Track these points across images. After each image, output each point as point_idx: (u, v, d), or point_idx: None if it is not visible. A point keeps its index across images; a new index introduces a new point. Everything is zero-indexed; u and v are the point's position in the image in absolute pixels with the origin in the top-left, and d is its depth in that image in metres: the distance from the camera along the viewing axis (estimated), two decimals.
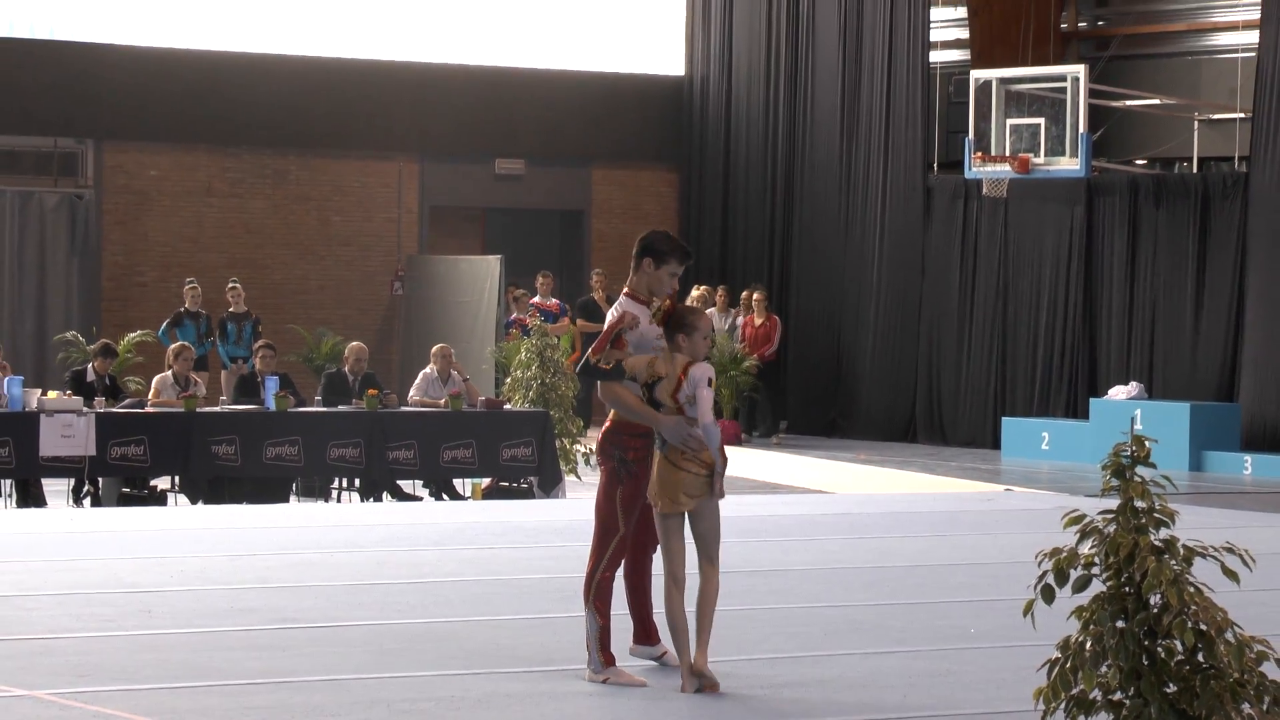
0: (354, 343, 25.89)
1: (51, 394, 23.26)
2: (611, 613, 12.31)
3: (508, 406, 25.07)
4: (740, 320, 32.91)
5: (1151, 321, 31.09)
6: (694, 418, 11.82)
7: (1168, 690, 7.69)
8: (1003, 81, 31.23)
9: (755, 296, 33.04)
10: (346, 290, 33.95)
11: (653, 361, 12.02)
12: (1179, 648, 7.70)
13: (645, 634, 12.65)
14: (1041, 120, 30.75)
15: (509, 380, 25.86)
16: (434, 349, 25.72)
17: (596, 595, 12.25)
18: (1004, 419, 31.78)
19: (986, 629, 14.29)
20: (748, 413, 32.92)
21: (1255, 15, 30.64)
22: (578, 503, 23.32)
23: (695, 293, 32.70)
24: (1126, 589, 7.74)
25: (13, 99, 31.82)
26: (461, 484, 24.73)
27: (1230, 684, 7.65)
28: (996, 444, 31.63)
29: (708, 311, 27.50)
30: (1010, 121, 30.99)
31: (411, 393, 25.25)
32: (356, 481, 24.29)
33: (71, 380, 24.13)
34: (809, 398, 33.68)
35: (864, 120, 33.79)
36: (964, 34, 34.17)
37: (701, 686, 11.79)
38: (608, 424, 12.31)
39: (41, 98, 32.05)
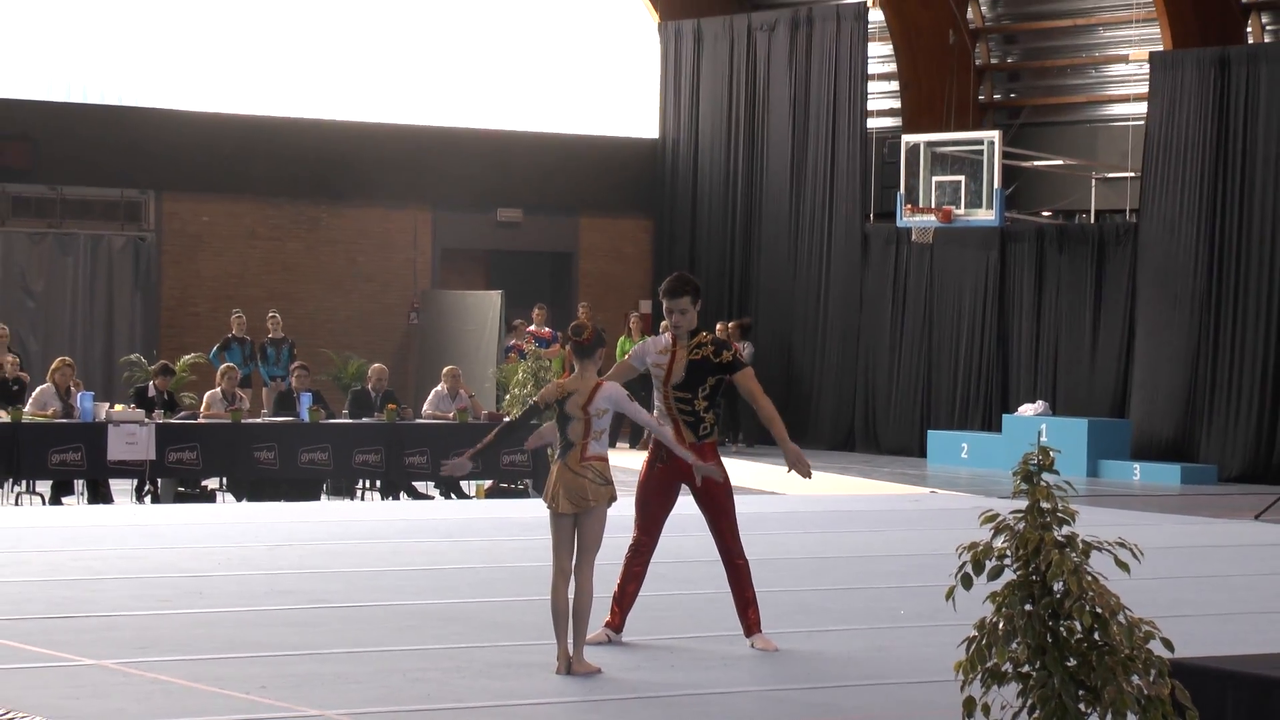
0: (376, 364, 25.89)
1: (118, 407, 23.24)
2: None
3: (507, 419, 25.03)
4: None
5: (1055, 349, 31.12)
6: (603, 429, 11.65)
7: (1069, 664, 7.68)
8: (929, 144, 31.26)
9: (718, 327, 33.02)
10: (369, 320, 33.90)
11: (561, 384, 11.85)
12: (1078, 628, 7.69)
13: (611, 617, 12.62)
14: (962, 178, 30.77)
15: (508, 397, 25.85)
16: (444, 370, 25.72)
17: None
18: (929, 431, 31.79)
19: (914, 611, 14.29)
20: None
21: (1143, 89, 30.69)
22: None
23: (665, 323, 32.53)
24: (1033, 577, 7.73)
25: (86, 155, 31.77)
26: (467, 485, 24.71)
27: (1122, 659, 7.63)
28: (923, 453, 31.63)
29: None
30: (935, 178, 31.01)
31: (425, 407, 25.25)
32: (378, 482, 24.28)
33: (135, 395, 24.09)
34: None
35: (810, 177, 33.80)
36: (896, 104, 34.21)
37: (572, 669, 11.52)
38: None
39: (110, 155, 32.00)
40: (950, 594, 7.84)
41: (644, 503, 12.50)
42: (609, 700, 11.01)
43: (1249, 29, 31.09)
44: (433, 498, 24.35)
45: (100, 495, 22.58)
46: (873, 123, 33.60)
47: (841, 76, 33.35)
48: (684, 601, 14.25)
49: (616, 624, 12.57)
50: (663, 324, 12.64)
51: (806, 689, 11.43)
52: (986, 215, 30.58)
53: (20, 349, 28.24)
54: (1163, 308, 29.67)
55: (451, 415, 24.65)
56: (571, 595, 11.55)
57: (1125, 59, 32.22)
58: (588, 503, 11.52)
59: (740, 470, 27.90)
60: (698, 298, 12.52)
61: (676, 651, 12.45)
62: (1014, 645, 7.72)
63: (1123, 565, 7.81)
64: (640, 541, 12.57)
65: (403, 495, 24.14)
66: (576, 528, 11.62)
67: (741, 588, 12.55)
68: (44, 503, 22.32)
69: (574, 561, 11.62)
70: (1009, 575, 7.76)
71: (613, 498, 11.62)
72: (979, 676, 7.78)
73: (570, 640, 11.54)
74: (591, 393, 11.61)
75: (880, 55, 34.08)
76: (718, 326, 32.63)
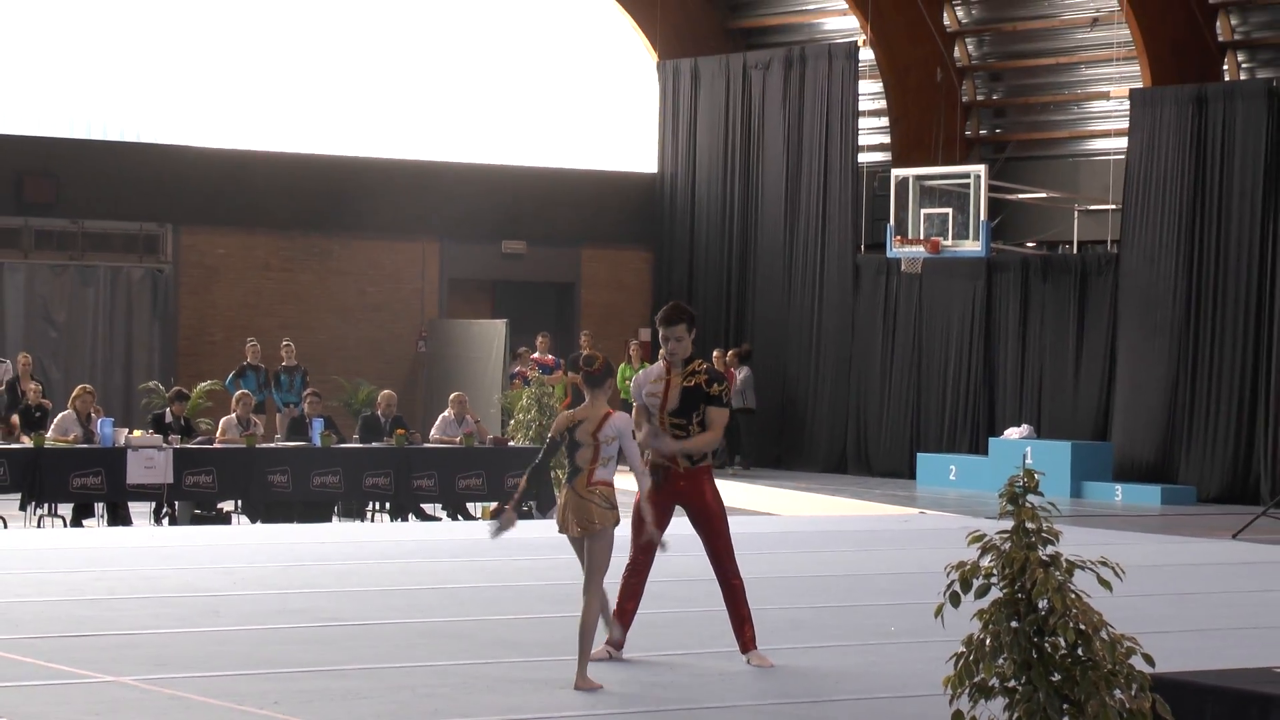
0: (385, 391, 25.88)
1: (136, 433, 23.25)
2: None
3: (511, 443, 25.05)
4: None
5: (1040, 375, 31.13)
6: (610, 456, 11.65)
7: (1053, 679, 7.68)
8: (918, 178, 31.28)
9: (714, 355, 33.06)
10: (379, 348, 33.91)
11: (571, 414, 11.86)
12: (1062, 644, 7.69)
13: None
14: (950, 210, 30.79)
15: (512, 422, 25.86)
16: (451, 396, 25.73)
17: None
18: (918, 454, 31.78)
19: (904, 628, 14.28)
20: None
21: (1124, 125, 30.73)
22: None
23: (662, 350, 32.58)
24: (1019, 595, 7.73)
25: (106, 190, 31.81)
26: (473, 507, 24.71)
27: (1104, 674, 7.64)
28: (912, 475, 31.63)
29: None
30: (924, 211, 31.03)
31: (432, 432, 25.25)
32: (387, 504, 24.26)
33: (153, 421, 24.09)
34: (760, 436, 33.66)
35: (804, 209, 33.83)
36: (886, 139, 34.25)
37: (576, 685, 11.52)
38: None
39: (130, 189, 32.04)
40: (939, 611, 7.84)
41: (638, 527, 12.50)
42: (610, 714, 11.00)
43: (1225, 67, 31.14)
44: (440, 519, 24.34)
45: (120, 517, 22.57)
46: (864, 157, 33.63)
47: (833, 113, 33.39)
48: (683, 618, 14.25)
49: (618, 641, 12.57)
50: (661, 352, 12.64)
51: (801, 704, 11.43)
52: (973, 246, 30.60)
53: (43, 377, 28.25)
54: (1143, 335, 29.69)
55: (458, 440, 24.65)
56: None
57: (1106, 96, 32.27)
58: (594, 526, 11.50)
59: (737, 492, 27.90)
60: (693, 326, 12.53)
61: (675, 668, 12.45)
62: (1000, 661, 7.73)
63: (1105, 583, 7.81)
64: (637, 560, 12.57)
65: (411, 517, 24.12)
66: (584, 550, 11.63)
67: (737, 606, 12.56)
68: (65, 525, 22.31)
69: (582, 582, 11.64)
70: (996, 593, 7.77)
71: (617, 520, 11.62)
72: (967, 691, 7.78)
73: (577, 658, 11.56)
74: (601, 420, 11.58)
75: (871, 93, 34.13)
76: (714, 354, 32.70)
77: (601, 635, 12.29)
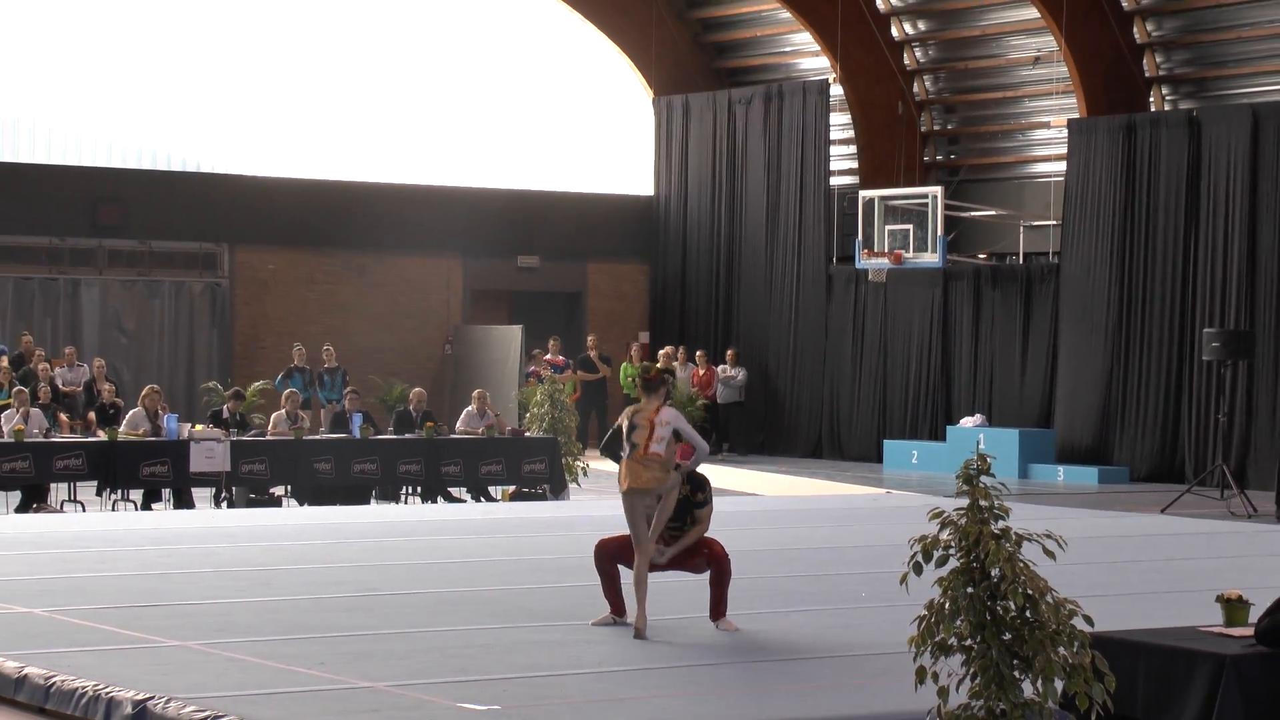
0: (416, 389, 25.87)
1: (198, 427, 23.24)
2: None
3: (527, 434, 25.05)
4: (690, 370, 32.91)
5: (990, 370, 31.10)
6: (664, 437, 12.34)
7: (1005, 638, 7.68)
8: (882, 199, 31.25)
9: (698, 354, 33.09)
10: (410, 351, 33.88)
11: (633, 409, 12.54)
12: (1012, 607, 7.68)
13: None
14: (910, 226, 30.75)
15: (528, 415, 25.83)
16: (474, 393, 25.71)
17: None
18: (885, 441, 31.75)
19: (874, 594, 14.28)
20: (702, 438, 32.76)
21: (1063, 151, 30.70)
22: (579, 504, 23.30)
23: (663, 352, 32.75)
24: (974, 565, 7.73)
25: (171, 214, 31.78)
26: (494, 490, 24.70)
27: (1050, 633, 7.63)
28: (880, 459, 31.59)
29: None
30: (888, 227, 30.99)
31: (458, 424, 25.23)
32: (419, 488, 24.26)
33: (212, 417, 24.09)
34: (744, 425, 33.62)
35: (782, 226, 33.80)
36: (854, 165, 34.22)
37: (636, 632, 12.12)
38: None
39: (191, 213, 32.01)
40: (904, 579, 7.83)
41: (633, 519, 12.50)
42: (614, 671, 10.99)
43: (1151, 99, 31.12)
44: (465, 501, 24.33)
45: (184, 502, 22.57)
46: (834, 180, 33.61)
47: (808, 142, 33.36)
48: (678, 588, 14.22)
49: (619, 608, 12.56)
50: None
51: (783, 660, 11.43)
52: (931, 258, 30.57)
53: (115, 378, 28.23)
54: (1081, 335, 29.68)
55: (480, 431, 24.64)
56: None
57: (1047, 125, 32.24)
58: (651, 482, 12.16)
59: (726, 475, 27.90)
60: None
61: (673, 630, 12.43)
62: (958, 622, 7.72)
63: (1049, 553, 7.80)
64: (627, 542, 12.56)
65: (440, 499, 24.12)
66: (646, 510, 12.25)
67: (721, 585, 12.56)
68: (136, 508, 22.31)
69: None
70: (954, 563, 7.76)
71: (675, 484, 12.31)
72: (929, 649, 7.77)
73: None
74: (657, 409, 12.38)
75: (840, 124, 34.10)
76: (697, 353, 32.72)
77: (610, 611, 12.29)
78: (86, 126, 31.85)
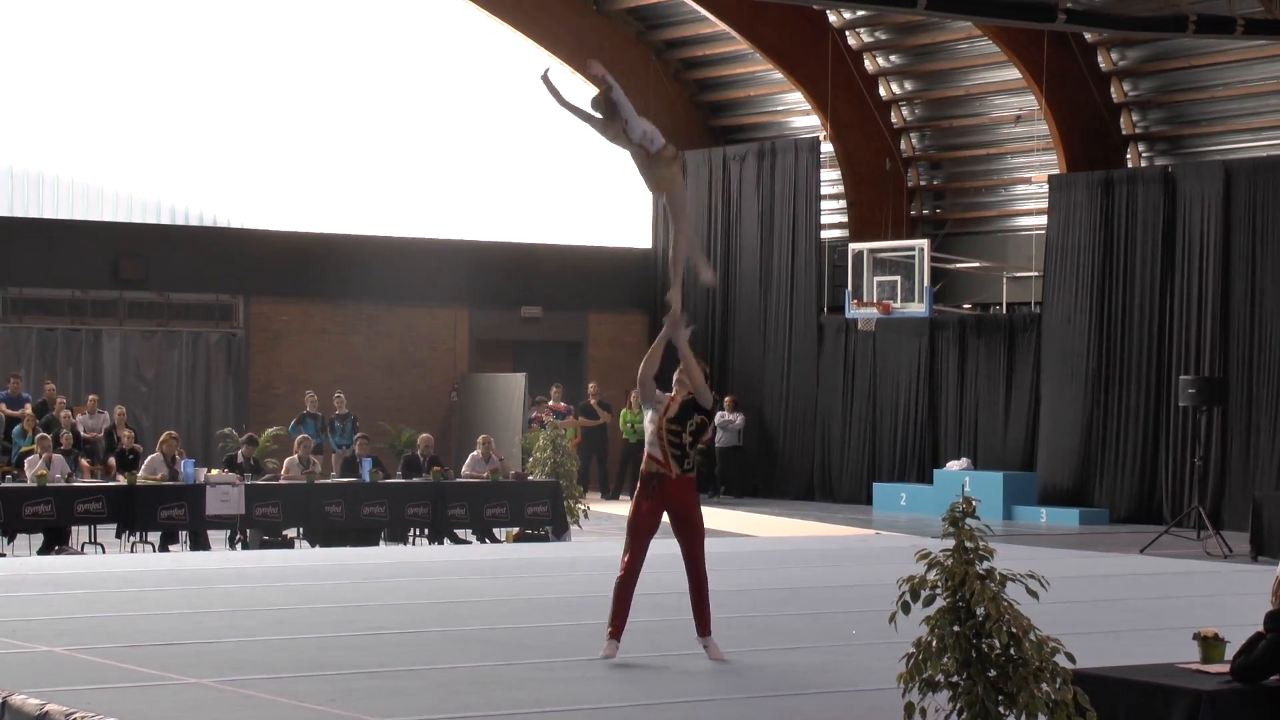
0: (423, 434, 25.86)
1: (214, 472, 23.21)
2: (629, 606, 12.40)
3: (530, 478, 25.01)
4: None
5: (975, 415, 31.10)
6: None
7: (990, 675, 7.66)
8: (871, 251, 31.31)
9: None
10: (418, 398, 33.89)
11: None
12: (997, 645, 7.67)
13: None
14: (898, 277, 30.80)
15: (531, 460, 25.81)
16: (479, 438, 25.69)
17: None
18: (874, 483, 31.73)
19: (864, 632, 14.24)
20: (696, 480, 32.70)
21: (1044, 205, 30.78)
22: (580, 545, 23.27)
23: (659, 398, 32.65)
24: (960, 604, 7.71)
25: (189, 267, 31.83)
26: (499, 532, 24.66)
27: (1033, 670, 7.62)
28: (869, 501, 31.56)
29: None
30: (876, 278, 31.04)
31: (464, 469, 25.20)
32: (426, 530, 24.21)
33: (227, 462, 24.07)
34: (738, 468, 33.60)
35: (775, 278, 33.84)
36: (844, 219, 34.28)
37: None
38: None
39: (209, 266, 32.06)
40: (893, 618, 7.82)
41: (633, 532, 12.51)
42: (611, 708, 10.95)
43: (1129, 156, 31.20)
44: (470, 542, 24.29)
45: (200, 543, 22.53)
46: (825, 234, 33.67)
47: (799, 197, 33.43)
48: (671, 625, 14.18)
49: (618, 634, 12.51)
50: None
51: (775, 697, 11.39)
52: (918, 308, 30.60)
53: (135, 425, 28.23)
54: (1062, 381, 29.69)
55: (485, 475, 24.60)
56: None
57: (1029, 180, 32.31)
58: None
59: (721, 517, 27.86)
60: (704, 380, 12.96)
61: (666, 668, 12.40)
62: (945, 659, 7.70)
63: (1032, 593, 7.79)
64: (632, 566, 12.52)
65: (446, 541, 24.07)
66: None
67: (701, 596, 12.61)
68: (154, 550, 22.27)
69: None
70: (940, 602, 7.75)
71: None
72: (917, 686, 7.76)
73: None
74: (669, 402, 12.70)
75: (830, 179, 34.18)
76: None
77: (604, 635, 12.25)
78: (108, 182, 31.91)
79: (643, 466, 12.67)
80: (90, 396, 28.60)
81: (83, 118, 31.66)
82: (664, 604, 15.12)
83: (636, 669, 12.25)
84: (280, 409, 31.52)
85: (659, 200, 13.14)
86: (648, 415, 12.74)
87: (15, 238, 30.55)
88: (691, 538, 12.58)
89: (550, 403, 31.96)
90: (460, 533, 24.34)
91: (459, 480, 24.62)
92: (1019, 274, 31.92)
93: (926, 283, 30.32)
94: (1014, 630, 7.62)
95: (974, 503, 7.84)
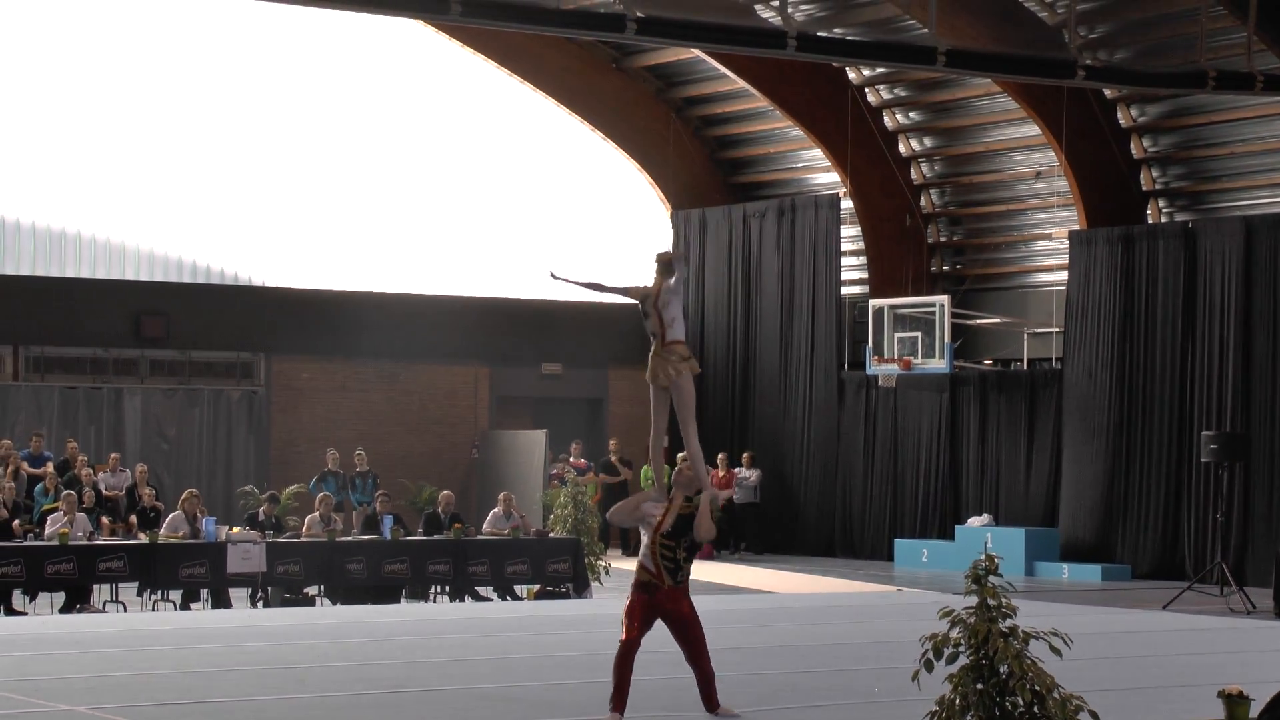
0: (444, 491, 25.84)
1: (235, 530, 23.22)
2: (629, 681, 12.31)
3: (551, 535, 24.99)
4: (710, 473, 32.90)
5: (997, 471, 31.04)
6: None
7: None
8: (891, 307, 31.30)
9: (719, 458, 33.06)
10: (439, 455, 33.90)
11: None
12: (1020, 703, 7.65)
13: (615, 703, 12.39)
14: (919, 334, 30.78)
15: (552, 517, 25.80)
16: (500, 495, 25.69)
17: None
18: (896, 540, 31.65)
19: (887, 689, 14.19)
20: (717, 537, 32.69)
21: (1064, 261, 30.77)
22: (602, 602, 23.22)
23: (680, 455, 32.72)
24: (983, 661, 7.70)
25: (210, 325, 31.92)
26: (520, 589, 24.62)
27: None
28: (890, 557, 31.48)
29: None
30: (897, 334, 31.02)
31: (485, 526, 25.18)
32: (447, 588, 24.18)
33: (248, 519, 24.08)
34: (759, 524, 33.53)
35: (796, 334, 33.85)
36: (865, 275, 34.30)
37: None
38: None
39: (230, 324, 32.14)
40: (916, 675, 7.80)
41: (630, 615, 12.40)
42: None
43: (1149, 211, 31.21)
44: (492, 599, 24.25)
45: (221, 601, 22.52)
46: (845, 290, 33.66)
47: (819, 253, 33.46)
48: (680, 684, 14.12)
49: (621, 707, 12.41)
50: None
51: None
52: (939, 364, 30.57)
53: (156, 483, 28.25)
54: (1084, 437, 29.63)
55: (506, 532, 24.59)
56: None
57: (1049, 236, 32.31)
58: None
59: (741, 573, 27.80)
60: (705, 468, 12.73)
61: None
62: (969, 718, 7.68)
63: (1056, 650, 7.78)
64: (629, 644, 12.40)
65: (467, 598, 24.05)
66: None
67: (708, 688, 12.49)
68: (175, 608, 22.27)
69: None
70: (963, 660, 7.73)
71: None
72: None
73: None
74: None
75: (850, 235, 34.21)
76: (719, 456, 32.70)
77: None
78: (129, 240, 32.03)
79: (636, 574, 12.50)
80: (112, 455, 28.63)
81: (104, 176, 31.81)
82: (679, 661, 15.09)
83: None
84: (301, 466, 31.54)
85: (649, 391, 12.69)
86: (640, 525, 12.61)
87: (38, 296, 30.66)
88: (689, 635, 12.44)
89: (571, 459, 31.95)
90: (481, 590, 24.31)
91: (480, 537, 24.60)
92: (1040, 329, 31.90)
93: (947, 339, 30.31)
94: (1037, 688, 7.60)
95: (996, 560, 7.83)
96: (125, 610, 21.75)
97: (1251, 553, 27.30)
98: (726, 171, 36.87)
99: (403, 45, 33.92)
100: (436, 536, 24.15)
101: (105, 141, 31.86)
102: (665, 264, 12.96)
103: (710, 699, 12.48)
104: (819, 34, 27.11)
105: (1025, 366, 31.76)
